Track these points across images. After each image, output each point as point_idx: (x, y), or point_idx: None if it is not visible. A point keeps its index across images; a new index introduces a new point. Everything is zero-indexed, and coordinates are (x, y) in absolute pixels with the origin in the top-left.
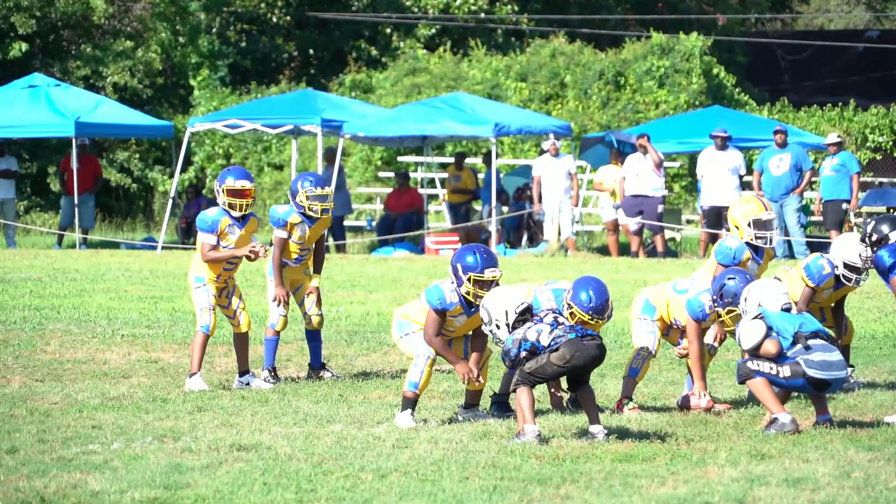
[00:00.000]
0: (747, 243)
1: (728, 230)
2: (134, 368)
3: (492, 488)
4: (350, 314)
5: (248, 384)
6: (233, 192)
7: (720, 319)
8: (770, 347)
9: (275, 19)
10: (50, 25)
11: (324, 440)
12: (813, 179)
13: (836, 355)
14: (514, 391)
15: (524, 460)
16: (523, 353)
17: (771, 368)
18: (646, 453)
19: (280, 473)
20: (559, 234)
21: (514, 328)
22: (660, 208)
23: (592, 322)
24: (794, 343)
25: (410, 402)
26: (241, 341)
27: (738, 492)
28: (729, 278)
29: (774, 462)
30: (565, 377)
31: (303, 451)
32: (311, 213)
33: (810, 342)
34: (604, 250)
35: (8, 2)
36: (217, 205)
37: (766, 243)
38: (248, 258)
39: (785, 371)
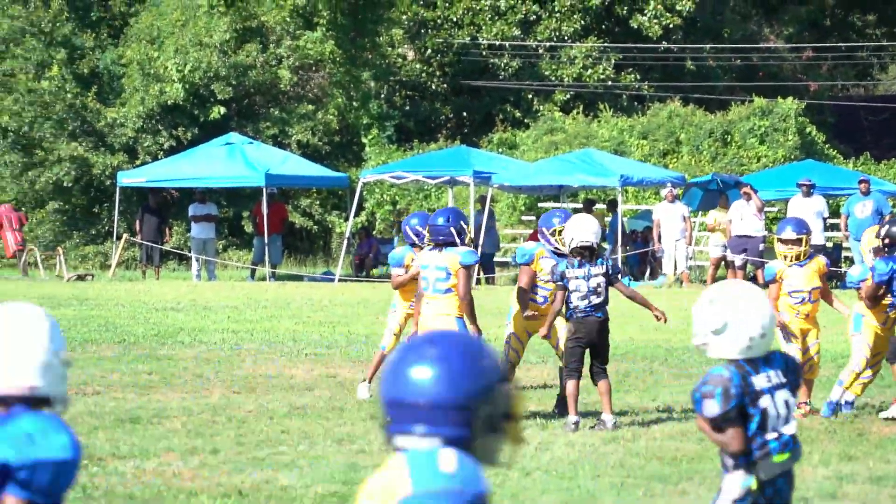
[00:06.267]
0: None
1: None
2: (316, 382)
3: (620, 485)
4: (498, 336)
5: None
6: None
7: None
8: None
9: (434, 87)
10: (244, 92)
11: None
12: None
13: None
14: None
15: (647, 461)
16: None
17: None
18: None
19: None
20: (675, 268)
21: None
22: (761, 247)
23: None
24: None
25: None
26: None
27: (830, 488)
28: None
29: (860, 463)
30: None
31: None
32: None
33: None
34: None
35: (209, 72)
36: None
37: None
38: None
39: None
